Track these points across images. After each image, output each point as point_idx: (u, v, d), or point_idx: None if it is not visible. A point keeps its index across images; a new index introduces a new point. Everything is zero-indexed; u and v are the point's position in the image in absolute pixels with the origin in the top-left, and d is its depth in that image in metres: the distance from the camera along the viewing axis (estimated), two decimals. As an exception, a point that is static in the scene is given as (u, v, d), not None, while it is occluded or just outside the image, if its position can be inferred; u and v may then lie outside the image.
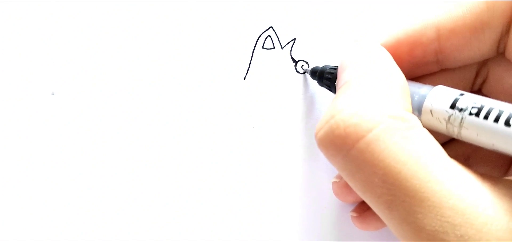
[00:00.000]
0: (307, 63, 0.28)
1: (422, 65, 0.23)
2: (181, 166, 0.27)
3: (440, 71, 0.23)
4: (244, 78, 0.27)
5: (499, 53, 0.22)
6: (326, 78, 0.25)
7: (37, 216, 0.26)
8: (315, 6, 0.28)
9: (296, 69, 0.28)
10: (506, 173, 0.24)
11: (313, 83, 0.27)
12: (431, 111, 0.19)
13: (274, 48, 0.28)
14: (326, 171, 0.27)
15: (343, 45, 0.28)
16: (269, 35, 0.27)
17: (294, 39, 0.28)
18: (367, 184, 0.17)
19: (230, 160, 0.27)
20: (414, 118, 0.18)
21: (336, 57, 0.27)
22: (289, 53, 0.28)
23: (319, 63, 0.26)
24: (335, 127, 0.18)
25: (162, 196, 0.27)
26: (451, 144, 0.24)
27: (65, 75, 0.26)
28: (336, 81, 0.21)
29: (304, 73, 0.27)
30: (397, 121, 0.17)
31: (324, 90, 0.27)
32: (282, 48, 0.28)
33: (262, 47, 0.27)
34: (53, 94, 0.26)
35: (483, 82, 0.24)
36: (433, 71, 0.23)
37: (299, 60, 0.28)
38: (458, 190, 0.16)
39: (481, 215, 0.16)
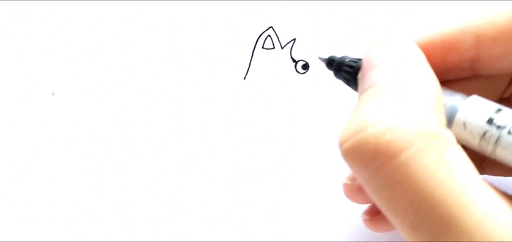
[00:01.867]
0: (307, 63, 0.28)
1: (455, 70, 0.21)
2: (181, 166, 0.27)
3: (471, 76, 0.21)
4: (244, 78, 0.27)
5: None
6: (345, 70, 0.23)
7: (37, 216, 0.26)
8: (315, 6, 0.28)
9: (296, 69, 0.28)
10: None
11: (314, 83, 0.27)
12: (464, 124, 0.18)
13: (274, 48, 0.28)
14: (327, 171, 0.27)
15: (368, 36, 0.26)
16: (269, 35, 0.27)
17: (294, 39, 0.28)
18: (394, 204, 0.16)
19: (230, 160, 0.27)
20: (450, 135, 0.17)
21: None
22: (289, 53, 0.28)
23: (337, 54, 0.25)
24: (365, 142, 0.17)
25: (162, 196, 0.27)
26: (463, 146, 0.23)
27: (65, 75, 0.26)
28: (360, 78, 0.20)
29: (327, 63, 0.25)
30: (432, 140, 0.16)
31: (324, 90, 0.27)
32: (282, 48, 0.28)
33: (262, 47, 0.27)
34: (53, 94, 0.26)
35: None
36: (464, 76, 0.21)
37: (299, 60, 0.28)
38: (490, 219, 0.16)
39: None
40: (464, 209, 0.16)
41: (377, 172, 0.16)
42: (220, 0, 0.27)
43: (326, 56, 0.25)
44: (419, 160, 0.16)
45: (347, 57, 0.23)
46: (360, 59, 0.21)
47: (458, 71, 0.21)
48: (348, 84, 0.23)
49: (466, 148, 0.23)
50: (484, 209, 0.16)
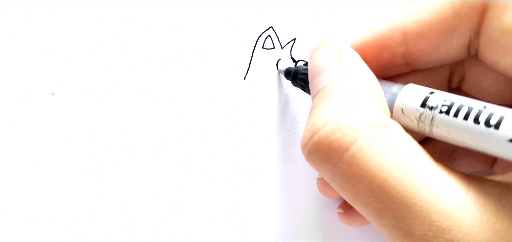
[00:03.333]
0: (307, 63, 0.28)
1: (391, 67, 0.22)
2: (180, 166, 0.27)
3: (411, 71, 0.23)
4: (244, 78, 0.27)
5: (471, 55, 0.21)
6: (300, 78, 0.24)
7: (37, 216, 0.26)
8: (315, 6, 0.28)
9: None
10: (491, 166, 0.24)
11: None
12: (402, 110, 0.19)
13: (274, 48, 0.28)
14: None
15: (309, 46, 0.27)
16: (269, 35, 0.27)
17: (294, 39, 0.28)
18: (355, 194, 0.18)
19: (230, 160, 0.27)
20: (394, 123, 0.18)
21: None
22: (289, 53, 0.28)
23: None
24: (319, 144, 0.18)
25: (162, 196, 0.27)
26: (434, 140, 0.24)
27: (65, 75, 0.26)
28: (309, 86, 0.21)
29: (285, 74, 0.27)
30: (377, 130, 0.18)
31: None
32: (282, 48, 0.28)
33: (262, 47, 0.27)
34: (53, 94, 0.26)
35: (461, 80, 0.23)
36: (403, 72, 0.23)
37: (299, 60, 0.28)
38: (444, 193, 0.16)
39: (468, 218, 0.16)
40: (419, 187, 0.16)
41: (335, 169, 0.18)
42: (220, 0, 0.27)
43: (284, 68, 0.26)
44: (368, 149, 0.17)
45: (302, 67, 0.25)
46: None
47: (395, 67, 0.22)
48: (304, 90, 0.25)
49: (435, 141, 0.24)
50: (437, 186, 0.17)
